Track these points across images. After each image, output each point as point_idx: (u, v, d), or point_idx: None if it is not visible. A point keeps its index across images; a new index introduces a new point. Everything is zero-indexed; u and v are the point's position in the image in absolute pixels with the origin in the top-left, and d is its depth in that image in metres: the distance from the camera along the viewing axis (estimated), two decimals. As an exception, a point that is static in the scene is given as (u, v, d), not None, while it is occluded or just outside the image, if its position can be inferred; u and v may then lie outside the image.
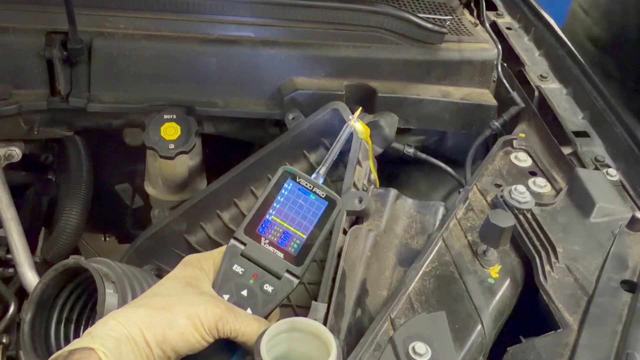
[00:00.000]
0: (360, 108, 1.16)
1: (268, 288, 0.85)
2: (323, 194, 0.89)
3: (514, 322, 0.93)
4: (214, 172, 1.33)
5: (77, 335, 0.92)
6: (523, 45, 1.55)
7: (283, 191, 0.90)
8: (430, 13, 1.51)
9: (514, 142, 1.21)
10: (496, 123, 1.33)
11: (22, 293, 1.19)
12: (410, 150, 1.34)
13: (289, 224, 0.88)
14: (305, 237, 0.87)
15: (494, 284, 0.93)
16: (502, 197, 1.03)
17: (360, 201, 1.02)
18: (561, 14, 2.22)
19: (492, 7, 1.68)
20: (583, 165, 1.18)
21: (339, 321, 0.88)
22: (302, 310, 1.02)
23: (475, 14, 1.59)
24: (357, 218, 1.05)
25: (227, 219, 1.19)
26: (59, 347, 0.89)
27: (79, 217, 1.30)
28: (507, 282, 0.94)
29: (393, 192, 1.08)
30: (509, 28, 1.60)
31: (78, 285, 0.93)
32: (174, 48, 1.27)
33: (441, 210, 1.07)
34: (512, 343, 0.85)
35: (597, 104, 1.31)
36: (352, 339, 0.87)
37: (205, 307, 0.78)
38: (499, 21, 1.62)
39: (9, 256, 1.23)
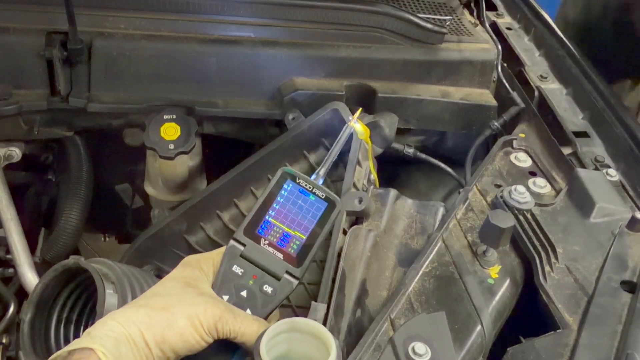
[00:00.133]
0: (361, 109, 1.16)
1: (267, 289, 0.85)
2: (323, 195, 0.89)
3: (514, 323, 0.93)
4: (214, 172, 1.33)
5: (76, 335, 0.92)
6: (523, 45, 1.55)
7: (283, 192, 0.89)
8: (430, 13, 1.51)
9: (514, 142, 1.21)
10: (496, 123, 1.33)
11: (22, 293, 1.19)
12: (410, 151, 1.34)
13: (288, 225, 0.88)
14: (304, 238, 0.87)
15: (494, 285, 0.92)
16: (502, 197, 1.03)
17: (360, 201, 1.02)
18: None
19: (492, 7, 1.68)
20: (583, 166, 1.17)
21: (338, 321, 0.88)
22: (302, 310, 1.02)
23: (475, 14, 1.59)
24: (357, 218, 1.05)
25: (227, 219, 1.19)
26: (58, 348, 0.89)
27: (78, 217, 1.30)
28: (507, 282, 0.94)
29: (393, 192, 1.08)
30: (509, 28, 1.60)
31: (78, 285, 0.93)
32: (174, 48, 1.27)
33: (441, 211, 1.07)
34: (512, 343, 0.85)
35: (597, 104, 1.31)
36: (352, 339, 0.87)
37: (205, 307, 0.78)
38: (499, 21, 1.62)
39: (8, 256, 1.23)
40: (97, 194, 1.38)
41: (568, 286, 0.92)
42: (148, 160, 1.32)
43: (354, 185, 1.08)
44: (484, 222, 0.91)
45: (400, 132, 1.34)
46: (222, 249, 0.88)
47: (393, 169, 1.41)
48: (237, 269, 0.86)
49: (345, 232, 1.00)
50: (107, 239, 1.74)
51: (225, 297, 0.84)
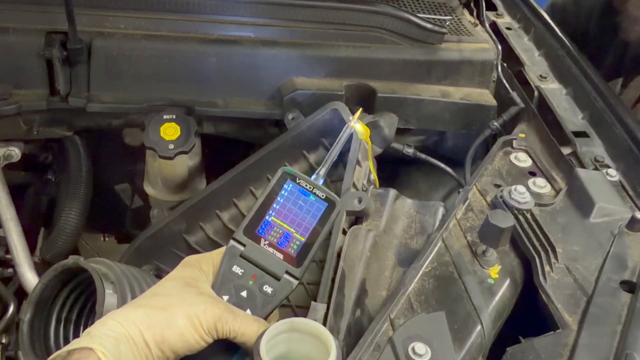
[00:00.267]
0: (360, 109, 1.16)
1: (267, 289, 0.85)
2: (323, 195, 0.89)
3: (513, 322, 0.93)
4: (213, 172, 1.33)
5: (76, 335, 0.92)
6: (523, 45, 1.55)
7: (283, 192, 0.89)
8: (430, 13, 1.51)
9: (514, 142, 1.21)
10: (496, 123, 1.33)
11: (21, 293, 1.20)
12: (410, 151, 1.34)
13: (288, 225, 0.88)
14: (304, 238, 0.87)
15: (494, 285, 0.92)
16: (501, 197, 1.03)
17: (360, 201, 1.02)
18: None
19: (492, 7, 1.68)
20: (583, 166, 1.17)
21: (338, 321, 0.88)
22: (302, 310, 1.02)
23: (475, 14, 1.59)
24: (357, 218, 1.05)
25: (227, 219, 1.19)
26: (58, 347, 0.89)
27: (78, 217, 1.30)
28: (507, 282, 0.94)
29: (392, 192, 1.08)
30: (508, 28, 1.60)
31: (77, 285, 0.93)
32: (174, 48, 1.27)
33: (441, 211, 1.07)
34: (512, 343, 0.85)
35: (597, 104, 1.31)
36: (352, 339, 0.87)
37: (205, 307, 0.78)
38: (499, 21, 1.62)
39: (8, 256, 1.23)
40: (96, 193, 1.38)
41: (568, 286, 0.92)
42: (148, 160, 1.32)
43: (354, 185, 1.08)
44: (484, 222, 0.91)
45: (400, 132, 1.34)
46: (222, 249, 0.88)
47: (393, 169, 1.41)
48: (237, 269, 0.86)
49: (345, 232, 1.00)
50: (107, 239, 1.74)
51: (225, 297, 0.84)
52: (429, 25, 1.36)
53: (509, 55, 1.48)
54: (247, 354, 0.83)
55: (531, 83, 1.41)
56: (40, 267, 1.22)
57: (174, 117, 1.22)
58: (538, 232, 0.99)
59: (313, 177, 0.97)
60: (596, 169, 1.17)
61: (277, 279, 0.86)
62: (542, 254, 0.96)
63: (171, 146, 1.20)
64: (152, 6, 1.30)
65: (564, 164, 1.16)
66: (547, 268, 0.94)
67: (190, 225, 1.19)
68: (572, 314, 0.88)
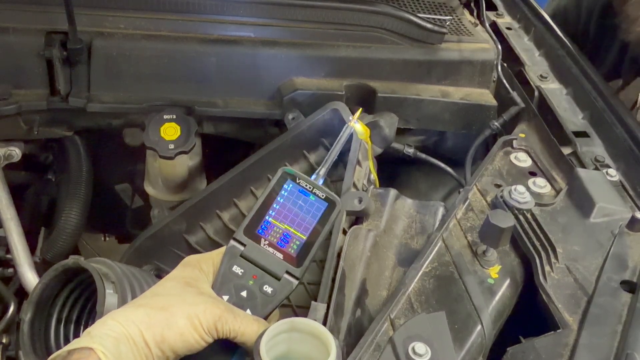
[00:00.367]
0: (361, 109, 1.16)
1: (267, 289, 0.85)
2: (323, 195, 0.89)
3: (513, 322, 0.93)
4: (214, 172, 1.33)
5: (76, 335, 0.92)
6: (523, 45, 1.55)
7: (283, 192, 0.89)
8: (430, 13, 1.51)
9: (514, 142, 1.21)
10: (496, 123, 1.33)
11: (21, 293, 1.20)
12: (410, 151, 1.34)
13: (288, 225, 0.88)
14: (304, 238, 0.87)
15: (494, 284, 0.92)
16: (502, 197, 1.03)
17: (360, 201, 1.02)
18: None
19: (492, 7, 1.68)
20: (583, 166, 1.17)
21: (338, 321, 0.88)
22: (302, 310, 1.02)
23: (475, 14, 1.59)
24: (357, 218, 1.05)
25: (227, 219, 1.19)
26: (58, 347, 0.89)
27: (78, 217, 1.30)
28: (507, 282, 0.94)
29: (393, 192, 1.08)
30: (509, 28, 1.60)
31: (78, 285, 0.93)
32: (174, 48, 1.27)
33: (441, 211, 1.07)
34: (512, 343, 0.85)
35: (597, 104, 1.31)
36: (352, 339, 0.87)
37: (205, 307, 0.78)
38: (499, 21, 1.62)
39: (8, 256, 1.23)
40: (97, 193, 1.38)
41: (568, 286, 0.92)
42: (148, 160, 1.32)
43: (354, 185, 1.08)
44: (484, 222, 0.91)
45: (400, 132, 1.34)
46: (222, 249, 0.88)
47: (393, 169, 1.41)
48: (237, 269, 0.86)
49: (345, 232, 1.00)
50: (107, 238, 1.74)
51: (225, 297, 0.84)
52: (429, 25, 1.36)
53: (509, 55, 1.48)
54: (247, 354, 0.83)
55: (531, 83, 1.41)
56: (40, 267, 1.22)
57: (174, 117, 1.22)
58: (538, 232, 0.99)
59: (313, 177, 0.97)
60: (596, 168, 1.17)
61: (277, 278, 0.86)
62: (543, 253, 0.96)
63: (171, 146, 1.20)
64: (152, 6, 1.30)
65: (564, 164, 1.16)
66: (547, 268, 0.94)
67: (190, 225, 1.19)
68: (573, 314, 0.88)
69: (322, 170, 1.01)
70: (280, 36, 1.33)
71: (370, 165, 1.17)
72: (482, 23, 1.54)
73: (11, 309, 1.15)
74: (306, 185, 0.90)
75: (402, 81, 1.36)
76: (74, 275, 0.92)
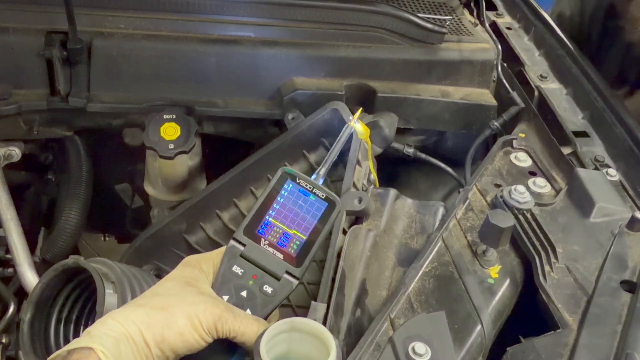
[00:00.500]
0: (361, 109, 1.16)
1: (267, 289, 0.85)
2: (323, 195, 0.89)
3: (513, 322, 0.93)
4: (214, 172, 1.33)
5: (76, 335, 0.92)
6: (523, 45, 1.55)
7: (283, 192, 0.89)
8: (430, 13, 1.51)
9: (514, 142, 1.21)
10: (496, 123, 1.33)
11: (21, 293, 1.19)
12: (410, 150, 1.34)
13: (288, 225, 0.88)
14: (304, 238, 0.87)
15: (494, 284, 0.92)
16: (501, 197, 1.03)
17: (360, 201, 1.02)
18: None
19: (492, 7, 1.68)
20: (583, 165, 1.17)
21: (338, 321, 0.88)
22: (302, 310, 1.02)
23: (475, 14, 1.59)
24: (357, 218, 1.05)
25: (227, 219, 1.19)
26: (58, 347, 0.89)
27: (78, 217, 1.30)
28: (507, 282, 0.94)
29: (393, 192, 1.08)
30: (509, 28, 1.60)
31: (77, 285, 0.93)
32: (174, 48, 1.27)
33: (441, 211, 1.07)
34: (512, 343, 0.85)
35: (597, 104, 1.31)
36: (352, 339, 0.87)
37: (205, 307, 0.78)
38: (499, 21, 1.62)
39: (8, 256, 1.23)
40: (96, 193, 1.38)
41: (568, 286, 0.92)
42: (148, 160, 1.32)
43: (354, 185, 1.08)
44: (484, 222, 0.91)
45: (400, 132, 1.34)
46: (222, 249, 0.88)
47: (393, 169, 1.41)
48: (237, 269, 0.86)
49: (345, 232, 1.00)
50: (107, 238, 1.74)
51: (225, 297, 0.84)
52: (429, 25, 1.36)
53: (509, 55, 1.48)
54: (247, 354, 0.83)
55: (531, 83, 1.41)
56: (40, 267, 1.22)
57: (174, 117, 1.22)
58: (538, 232, 0.99)
59: (313, 177, 0.97)
60: (596, 168, 1.17)
61: (277, 278, 0.86)
62: (542, 253, 0.96)
63: (171, 146, 1.20)
64: (152, 6, 1.30)
65: (564, 163, 1.16)
66: (547, 268, 0.94)
67: (190, 225, 1.19)
68: (573, 314, 0.88)
69: (322, 170, 1.01)
70: (280, 36, 1.33)
71: (370, 165, 1.17)
72: (482, 23, 1.54)
73: (11, 309, 1.15)
74: (306, 185, 0.90)
75: (402, 81, 1.36)
76: (74, 275, 0.92)
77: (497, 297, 0.91)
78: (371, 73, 1.34)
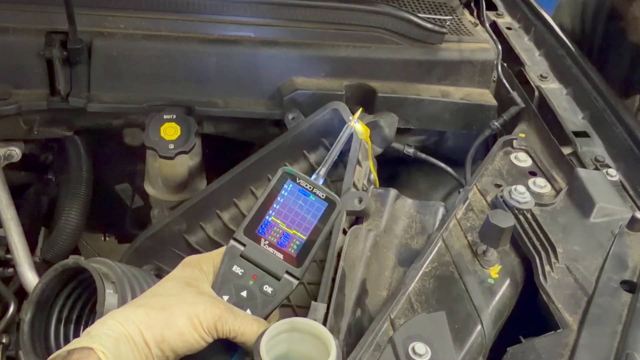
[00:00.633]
0: (361, 109, 1.16)
1: (267, 289, 0.85)
2: (323, 195, 0.89)
3: (514, 322, 0.93)
4: (214, 172, 1.33)
5: (76, 335, 0.92)
6: (523, 45, 1.55)
7: (283, 192, 0.89)
8: (430, 13, 1.51)
9: (514, 142, 1.21)
10: (496, 123, 1.33)
11: (21, 293, 1.19)
12: (410, 151, 1.34)
13: (288, 225, 0.88)
14: (305, 238, 0.87)
15: (494, 284, 0.92)
16: (502, 197, 1.03)
17: (360, 201, 1.02)
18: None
19: (492, 7, 1.68)
20: (583, 166, 1.17)
21: (338, 321, 0.88)
22: (302, 310, 1.02)
23: (475, 14, 1.59)
24: (357, 218, 1.05)
25: (227, 219, 1.19)
26: (58, 347, 0.89)
27: (78, 217, 1.30)
28: (507, 282, 0.94)
29: (393, 192, 1.08)
30: (509, 28, 1.60)
31: (78, 285, 0.93)
32: (174, 48, 1.27)
33: (441, 211, 1.07)
34: (512, 343, 0.85)
35: (597, 104, 1.31)
36: (352, 339, 0.87)
37: (205, 307, 0.78)
38: (499, 21, 1.62)
39: (8, 256, 1.23)
40: (97, 193, 1.38)
41: (568, 286, 0.92)
42: (148, 160, 1.32)
43: (354, 185, 1.08)
44: (484, 222, 0.91)
45: (400, 132, 1.34)
46: (222, 249, 0.88)
47: (393, 169, 1.41)
48: (237, 269, 0.86)
49: (345, 232, 1.00)
50: (107, 238, 1.74)
51: (226, 297, 0.84)
52: (429, 25, 1.36)
53: (510, 55, 1.48)
54: (247, 354, 0.83)
55: (531, 83, 1.41)
56: (40, 267, 1.22)
57: (174, 117, 1.22)
58: (538, 232, 0.99)
59: (313, 177, 0.97)
60: (596, 168, 1.17)
61: (278, 279, 0.86)
62: (543, 253, 0.96)
63: (171, 146, 1.20)
64: (152, 6, 1.30)
65: (564, 163, 1.16)
66: (547, 268, 0.94)
67: (190, 225, 1.19)
68: (573, 314, 0.88)
69: (322, 170, 1.01)
70: (280, 36, 1.33)
71: (370, 165, 1.17)
72: (482, 23, 1.54)
73: (11, 309, 1.15)
74: (306, 185, 0.90)
75: (402, 81, 1.36)
76: (74, 275, 0.92)
77: (497, 297, 0.91)
78: (371, 73, 1.34)
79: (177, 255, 1.18)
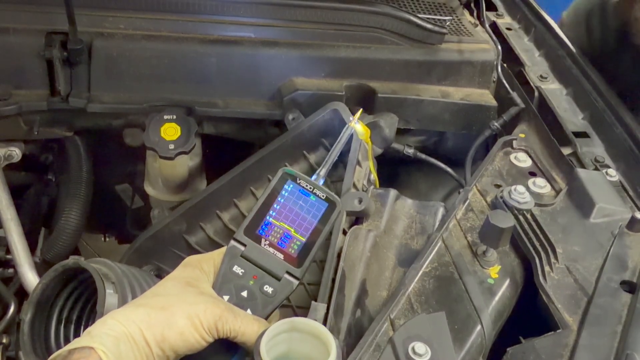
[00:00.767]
0: (361, 109, 1.16)
1: (268, 289, 0.85)
2: (323, 196, 0.89)
3: (513, 323, 0.93)
4: (214, 172, 1.33)
5: (77, 335, 0.91)
6: (523, 45, 1.55)
7: (283, 192, 0.89)
8: (430, 13, 1.51)
9: (514, 142, 1.22)
10: (496, 123, 1.33)
11: (22, 293, 1.20)
12: (410, 151, 1.34)
13: (289, 225, 0.88)
14: (305, 238, 0.87)
15: (494, 285, 0.93)
16: (501, 197, 1.03)
17: (360, 202, 1.02)
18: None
19: (492, 7, 1.68)
20: (583, 166, 1.18)
21: (338, 321, 0.88)
22: (302, 310, 1.02)
23: (475, 14, 1.59)
24: (357, 218, 1.05)
25: (227, 220, 1.19)
26: (58, 347, 0.89)
27: (78, 217, 1.30)
28: (507, 282, 0.94)
29: (393, 192, 1.09)
30: (509, 28, 1.60)
31: (78, 285, 0.93)
32: (174, 48, 1.27)
33: (441, 211, 1.07)
34: (512, 343, 0.85)
35: (597, 104, 1.31)
36: (352, 339, 0.87)
37: (205, 306, 0.78)
38: (499, 21, 1.62)
39: (8, 256, 1.23)
40: (97, 194, 1.38)
41: (568, 286, 0.92)
42: (148, 161, 1.32)
43: (354, 185, 1.08)
44: (484, 222, 0.91)
45: (400, 132, 1.34)
46: (223, 249, 0.88)
47: (393, 169, 1.41)
48: (237, 269, 0.86)
49: (345, 233, 1.00)
50: (107, 239, 1.74)
51: (226, 297, 0.84)
52: (429, 26, 1.36)
53: (509, 55, 1.48)
54: (248, 354, 0.83)
55: (531, 83, 1.41)
56: (40, 268, 1.22)
57: (174, 117, 1.22)
58: (538, 232, 0.99)
59: (313, 177, 0.97)
60: (596, 169, 1.18)
61: (278, 279, 0.86)
62: (542, 254, 0.96)
63: (171, 146, 1.20)
64: (152, 6, 1.30)
65: (564, 164, 1.16)
66: (547, 268, 0.94)
67: (190, 226, 1.19)
68: (573, 315, 0.88)
69: (323, 171, 1.01)
70: (280, 36, 1.33)
71: (370, 165, 1.17)
72: (482, 23, 1.54)
73: (11, 309, 1.15)
74: (306, 186, 0.90)
75: (402, 81, 1.36)
76: (74, 275, 0.92)
77: (497, 298, 0.91)
78: (371, 73, 1.34)
79: (177, 255, 1.18)
